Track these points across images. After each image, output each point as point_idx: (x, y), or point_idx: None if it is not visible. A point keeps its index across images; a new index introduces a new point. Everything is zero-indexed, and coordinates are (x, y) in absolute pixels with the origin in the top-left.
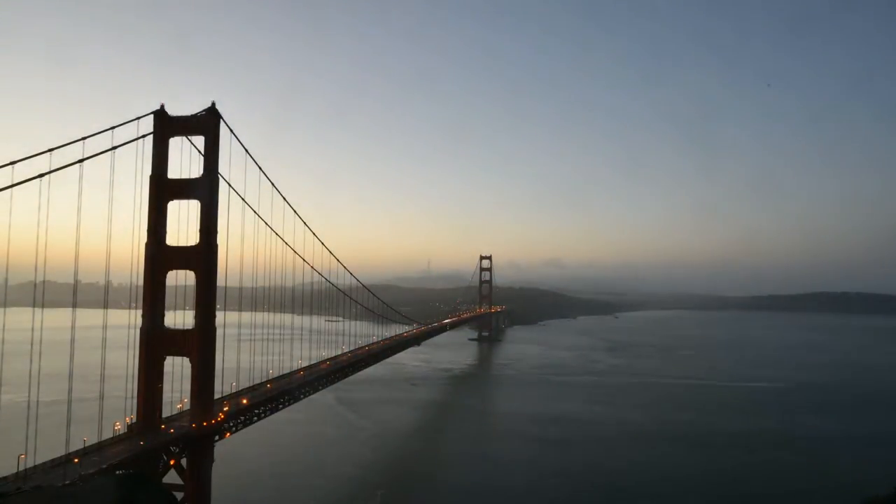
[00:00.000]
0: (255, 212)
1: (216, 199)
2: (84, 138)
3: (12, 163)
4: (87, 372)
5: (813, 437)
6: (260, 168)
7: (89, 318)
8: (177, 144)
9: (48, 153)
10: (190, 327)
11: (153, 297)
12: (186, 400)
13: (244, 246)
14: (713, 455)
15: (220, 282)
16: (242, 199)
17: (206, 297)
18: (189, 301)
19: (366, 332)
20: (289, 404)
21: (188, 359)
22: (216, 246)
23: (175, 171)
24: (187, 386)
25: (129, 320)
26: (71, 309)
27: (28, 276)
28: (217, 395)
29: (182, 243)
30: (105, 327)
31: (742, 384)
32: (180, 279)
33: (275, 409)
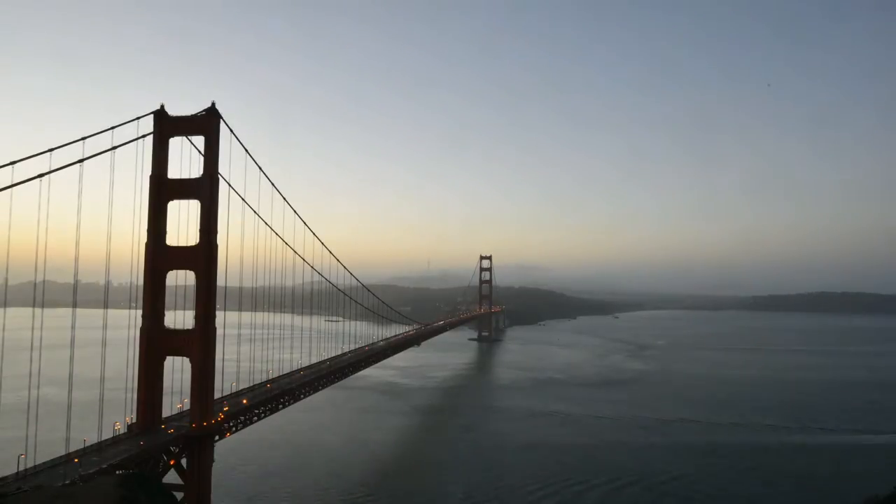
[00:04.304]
0: (255, 212)
1: (216, 199)
2: (84, 138)
3: (12, 163)
4: (87, 372)
5: None
6: (260, 168)
7: (89, 317)
8: (177, 144)
9: (48, 153)
10: (190, 327)
11: (153, 297)
12: (186, 400)
13: (244, 246)
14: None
15: (220, 282)
16: (242, 199)
17: (206, 297)
18: (189, 301)
19: (366, 333)
20: (289, 404)
21: (188, 359)
22: (216, 246)
23: (175, 171)
24: (187, 386)
25: (129, 320)
26: (71, 309)
27: (28, 276)
28: (217, 395)
29: (182, 243)
30: (105, 327)
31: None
32: (180, 279)
33: (275, 409)
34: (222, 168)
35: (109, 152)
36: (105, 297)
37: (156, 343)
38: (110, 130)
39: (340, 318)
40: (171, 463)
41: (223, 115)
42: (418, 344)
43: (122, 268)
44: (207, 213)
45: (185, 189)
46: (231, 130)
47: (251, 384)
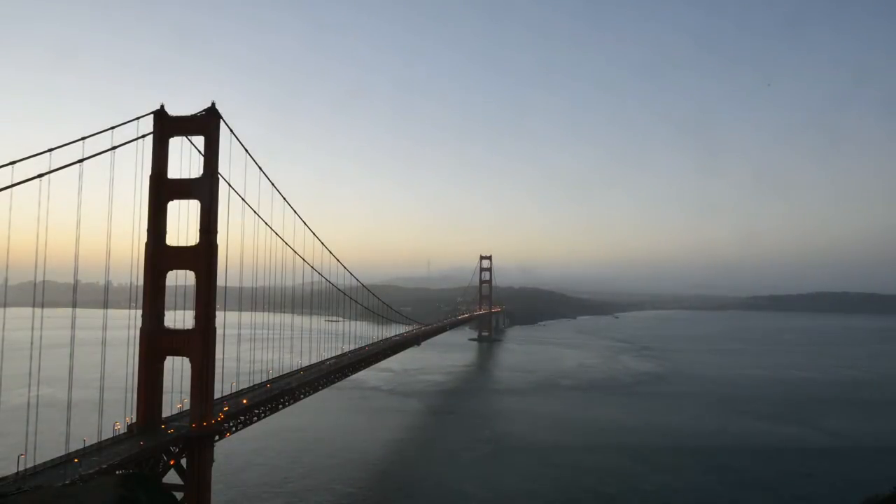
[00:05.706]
0: (255, 212)
1: (216, 199)
2: (84, 138)
3: (12, 163)
4: (87, 372)
5: None
6: (260, 168)
7: (89, 317)
8: (177, 144)
9: (48, 153)
10: (190, 327)
11: (153, 297)
12: (186, 400)
13: (244, 246)
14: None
15: (220, 282)
16: (242, 199)
17: (206, 297)
18: (189, 301)
19: (366, 333)
20: (289, 404)
21: (188, 359)
22: (216, 246)
23: (175, 171)
24: (187, 386)
25: (129, 320)
26: (71, 309)
27: (28, 276)
28: (217, 395)
29: (182, 243)
30: (105, 327)
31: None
32: (180, 279)
33: (275, 409)
34: (222, 168)
35: (109, 152)
36: (105, 297)
37: (156, 343)
38: (110, 130)
39: (340, 319)
40: (171, 463)
41: (223, 113)
42: (418, 343)
43: (122, 268)
44: (207, 213)
45: (184, 189)
46: (231, 130)
47: (251, 384)
